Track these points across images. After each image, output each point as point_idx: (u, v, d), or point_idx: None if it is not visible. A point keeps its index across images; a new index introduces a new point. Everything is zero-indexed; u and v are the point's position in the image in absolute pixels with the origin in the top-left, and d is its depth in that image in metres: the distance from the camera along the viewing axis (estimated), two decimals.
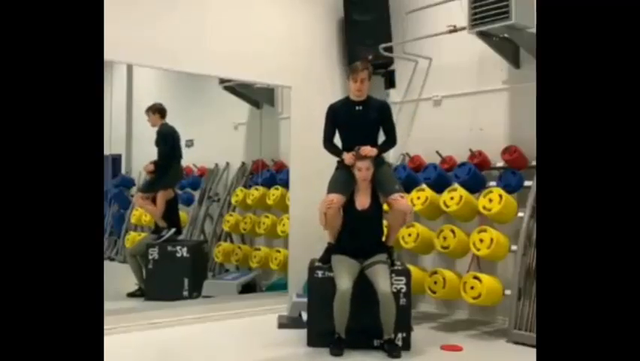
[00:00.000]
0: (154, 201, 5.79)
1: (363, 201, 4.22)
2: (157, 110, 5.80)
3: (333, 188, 4.27)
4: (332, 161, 4.45)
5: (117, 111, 6.37)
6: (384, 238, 4.36)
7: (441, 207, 4.80)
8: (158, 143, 5.77)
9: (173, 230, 5.70)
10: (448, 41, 5.17)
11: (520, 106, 4.92)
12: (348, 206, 4.22)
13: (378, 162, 4.30)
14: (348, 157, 4.23)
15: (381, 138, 4.45)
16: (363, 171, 4.15)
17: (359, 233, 4.21)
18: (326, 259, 4.26)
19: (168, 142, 5.75)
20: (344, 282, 3.96)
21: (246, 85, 6.03)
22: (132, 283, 5.64)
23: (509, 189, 4.67)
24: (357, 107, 4.32)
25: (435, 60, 5.59)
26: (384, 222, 4.47)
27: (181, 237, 6.37)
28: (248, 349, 4.17)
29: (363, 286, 4.01)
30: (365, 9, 5.68)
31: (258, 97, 6.33)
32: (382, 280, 3.98)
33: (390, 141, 4.45)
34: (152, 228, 5.88)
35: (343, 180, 4.25)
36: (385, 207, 4.41)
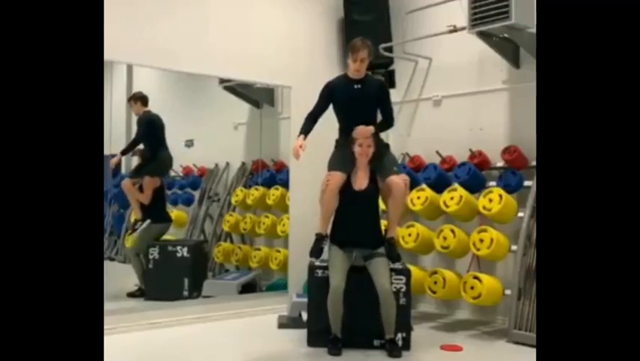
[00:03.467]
0: (141, 189, 5.81)
1: (360, 182, 4.12)
2: (139, 99, 5.81)
3: (332, 166, 4.17)
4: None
5: (117, 111, 6.36)
6: (384, 230, 4.25)
7: (441, 207, 4.80)
8: (140, 130, 5.78)
9: (148, 222, 5.69)
10: (447, 41, 5.18)
11: (520, 106, 4.92)
12: (346, 188, 4.10)
13: (381, 145, 4.21)
14: (297, 142, 4.07)
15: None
16: (364, 147, 4.05)
17: (355, 216, 4.11)
18: (317, 251, 4.12)
19: (151, 129, 5.75)
20: (336, 278, 3.92)
21: (246, 85, 6.03)
22: (132, 284, 5.63)
23: (509, 189, 4.67)
24: (355, 86, 4.23)
25: (435, 60, 5.59)
26: (383, 210, 4.36)
27: (181, 236, 6.39)
28: (248, 349, 4.17)
29: (364, 286, 3.98)
30: (365, 9, 5.68)
31: (258, 97, 6.33)
32: (381, 276, 3.95)
33: (388, 122, 4.36)
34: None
35: (343, 159, 4.16)
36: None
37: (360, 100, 4.22)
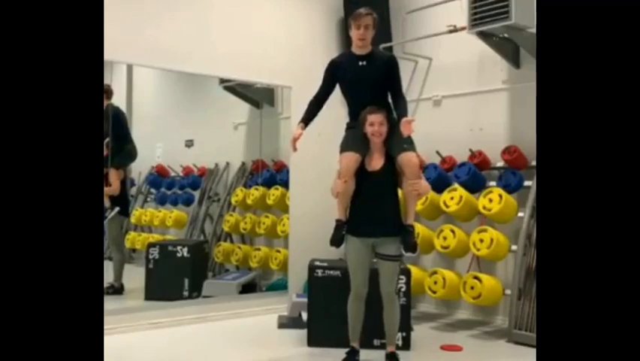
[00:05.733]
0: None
1: (374, 163, 3.70)
2: (103, 91, 5.79)
3: (346, 147, 3.76)
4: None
5: None
6: (402, 216, 3.78)
7: (441, 207, 4.80)
8: (105, 124, 5.71)
9: (117, 209, 5.69)
10: (447, 41, 5.18)
11: (520, 106, 4.93)
12: (359, 170, 3.70)
13: (394, 123, 3.74)
14: (296, 132, 3.80)
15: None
16: (376, 126, 3.62)
17: (371, 199, 3.68)
18: (338, 239, 3.70)
19: (116, 122, 5.69)
20: (356, 280, 3.67)
21: (246, 85, 6.03)
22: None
23: (509, 189, 4.67)
24: (360, 62, 3.80)
25: (435, 60, 5.59)
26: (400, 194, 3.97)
27: (181, 236, 6.39)
28: (248, 349, 4.17)
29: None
30: None
31: (258, 97, 6.33)
32: (385, 277, 3.68)
33: (404, 100, 3.86)
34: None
35: (355, 140, 3.74)
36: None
37: (367, 77, 3.79)
